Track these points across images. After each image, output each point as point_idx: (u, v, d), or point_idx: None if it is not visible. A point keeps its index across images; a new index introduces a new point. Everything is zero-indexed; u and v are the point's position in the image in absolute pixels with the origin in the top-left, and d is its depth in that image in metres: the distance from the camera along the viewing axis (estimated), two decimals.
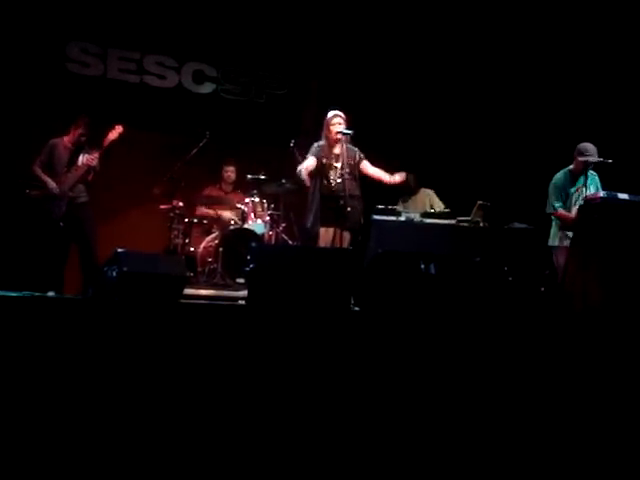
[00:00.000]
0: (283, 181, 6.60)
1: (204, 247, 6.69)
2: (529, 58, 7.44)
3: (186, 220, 6.77)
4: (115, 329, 3.19)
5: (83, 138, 6.00)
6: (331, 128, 5.57)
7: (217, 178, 7.21)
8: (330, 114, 5.64)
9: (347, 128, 5.57)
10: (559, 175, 5.64)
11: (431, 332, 3.61)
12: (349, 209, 5.29)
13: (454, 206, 5.86)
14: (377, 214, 5.33)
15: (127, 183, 7.13)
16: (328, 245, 5.46)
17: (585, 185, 5.36)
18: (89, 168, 5.95)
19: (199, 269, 6.57)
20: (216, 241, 6.62)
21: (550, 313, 4.75)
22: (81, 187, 5.98)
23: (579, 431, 3.35)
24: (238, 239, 6.42)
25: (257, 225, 6.64)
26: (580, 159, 5.46)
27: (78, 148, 6.00)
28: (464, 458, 3.19)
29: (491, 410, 3.37)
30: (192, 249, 6.70)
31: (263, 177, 6.81)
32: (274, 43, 7.94)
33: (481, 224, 5.19)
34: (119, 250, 4.33)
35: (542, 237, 5.55)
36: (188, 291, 5.25)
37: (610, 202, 4.87)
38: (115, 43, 7.46)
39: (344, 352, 3.41)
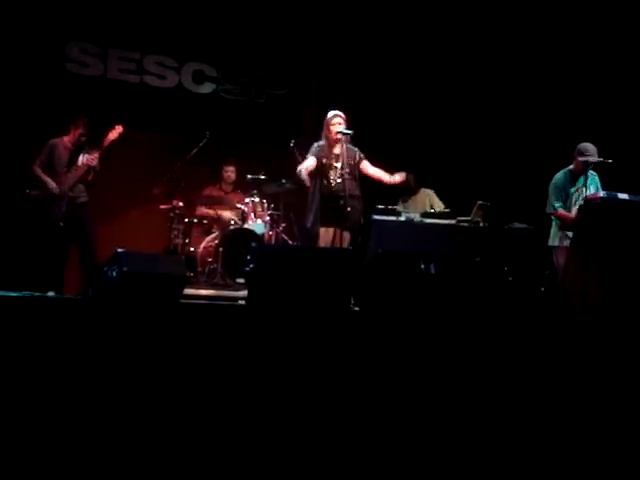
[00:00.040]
0: (283, 181, 6.60)
1: (204, 247, 6.69)
2: (529, 58, 7.44)
3: (186, 220, 6.78)
4: (115, 329, 3.19)
5: (83, 138, 6.00)
6: (331, 128, 5.57)
7: (217, 178, 7.21)
8: (330, 114, 5.64)
9: (347, 128, 5.57)
10: (559, 175, 5.64)
11: (431, 332, 3.61)
12: (349, 209, 5.29)
13: (454, 206, 5.85)
14: (377, 214, 5.33)
15: (127, 183, 7.13)
16: (328, 245, 5.46)
17: (585, 185, 5.36)
18: (89, 168, 5.95)
19: (199, 269, 6.57)
20: (216, 241, 6.62)
21: (550, 313, 4.75)
22: (81, 187, 5.98)
23: (579, 431, 3.35)
24: (238, 239, 6.42)
25: (257, 225, 6.64)
26: (580, 159, 5.46)
27: (78, 148, 6.00)
28: (464, 458, 3.20)
29: (491, 410, 3.37)
30: (192, 249, 6.70)
31: (263, 177, 6.81)
32: (274, 43, 7.94)
33: (481, 224, 5.19)
34: (119, 250, 4.33)
35: (542, 237, 5.55)
36: (188, 291, 5.25)
37: (610, 202, 4.87)
38: (115, 43, 7.45)
39: (344, 352, 3.41)
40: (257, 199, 6.76)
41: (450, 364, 3.48)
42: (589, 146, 5.46)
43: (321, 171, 5.59)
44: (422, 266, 4.66)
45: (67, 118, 6.11)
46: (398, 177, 5.63)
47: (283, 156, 6.73)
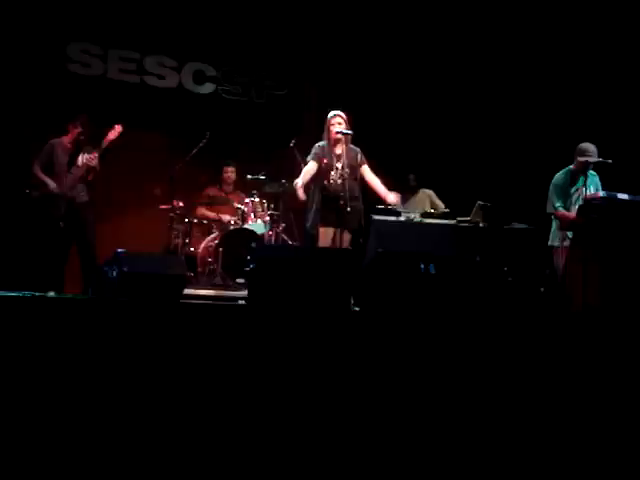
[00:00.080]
0: (283, 181, 6.61)
1: (204, 247, 6.69)
2: (529, 58, 7.44)
3: (186, 220, 6.79)
4: (115, 329, 3.19)
5: (82, 137, 6.00)
6: (331, 128, 5.58)
7: (217, 178, 7.22)
8: (330, 114, 5.64)
9: (347, 128, 5.57)
10: (559, 175, 5.65)
11: (431, 332, 3.61)
12: (349, 209, 5.29)
13: (454, 206, 5.85)
14: (377, 214, 5.33)
15: (127, 183, 7.14)
16: (328, 245, 5.46)
17: (585, 185, 5.36)
18: (89, 168, 5.96)
19: (199, 269, 6.57)
20: (216, 241, 6.63)
21: (550, 313, 4.75)
22: (81, 187, 5.98)
23: (579, 430, 3.35)
24: (238, 239, 6.43)
25: (257, 225, 6.64)
26: (580, 159, 5.46)
27: (78, 148, 6.00)
28: (464, 457, 3.20)
29: (491, 409, 3.37)
30: (192, 249, 6.71)
31: (263, 177, 6.82)
32: (274, 44, 7.94)
33: (481, 224, 5.18)
34: (119, 250, 4.34)
35: (542, 237, 5.55)
36: (188, 291, 5.25)
37: (610, 202, 4.88)
38: (115, 43, 7.45)
39: (344, 352, 3.41)
40: (257, 199, 6.77)
41: (450, 364, 3.48)
42: (589, 146, 5.46)
43: (322, 171, 5.59)
44: (422, 266, 4.66)
45: (68, 118, 6.12)
46: (393, 197, 5.55)
47: (283, 156, 6.73)
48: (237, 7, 7.71)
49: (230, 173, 7.16)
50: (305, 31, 7.96)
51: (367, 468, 3.09)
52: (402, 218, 5.24)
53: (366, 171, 5.70)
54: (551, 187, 5.63)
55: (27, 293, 4.07)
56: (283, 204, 6.69)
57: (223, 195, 7.11)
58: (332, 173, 5.57)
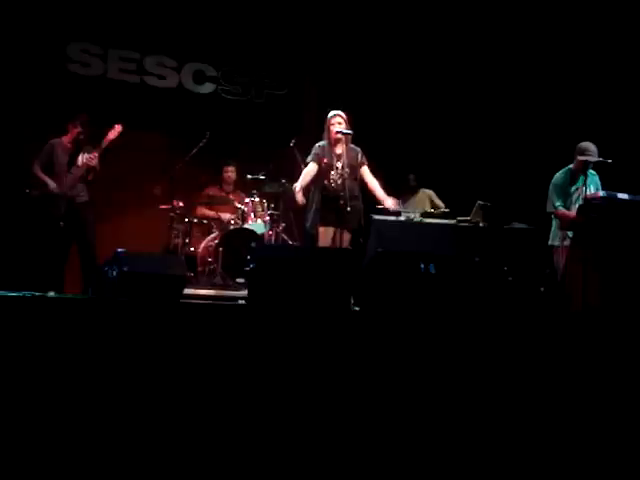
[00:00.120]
0: (283, 181, 6.61)
1: (204, 247, 6.69)
2: (529, 58, 7.44)
3: (186, 220, 6.78)
4: (115, 329, 3.19)
5: (82, 136, 6.00)
6: (331, 128, 5.58)
7: (217, 178, 7.22)
8: (330, 114, 5.64)
9: (347, 128, 5.57)
10: (559, 174, 5.64)
11: (431, 332, 3.61)
12: (349, 209, 5.29)
13: (454, 206, 5.85)
14: (377, 214, 5.34)
15: (127, 183, 7.14)
16: (328, 245, 5.46)
17: (585, 184, 5.36)
18: (89, 168, 5.96)
19: (199, 269, 6.57)
20: (216, 241, 6.63)
21: (550, 313, 4.75)
22: (81, 187, 5.99)
23: (579, 430, 3.35)
24: (238, 239, 6.43)
25: (257, 225, 6.64)
26: (580, 158, 5.46)
27: (78, 148, 6.01)
28: (464, 457, 3.20)
29: (491, 409, 3.37)
30: (192, 249, 6.71)
31: (263, 177, 6.82)
32: (274, 43, 7.94)
33: (481, 224, 5.18)
34: (119, 250, 4.33)
35: (542, 237, 5.55)
36: (188, 291, 5.25)
37: (610, 202, 4.87)
38: (115, 43, 7.46)
39: (344, 352, 3.41)
40: (257, 199, 6.77)
41: (450, 364, 3.48)
42: (589, 145, 5.46)
43: (322, 171, 5.59)
44: (422, 266, 4.66)
45: (68, 118, 6.12)
46: (391, 202, 5.51)
47: (283, 156, 6.73)
48: (237, 7, 7.71)
49: (230, 173, 7.16)
50: (305, 31, 7.96)
51: (367, 468, 3.09)
52: (402, 218, 5.25)
53: (366, 172, 5.70)
54: (551, 186, 5.63)
55: (27, 293, 4.07)
56: (283, 204, 6.69)
57: (223, 195, 7.11)
58: (332, 173, 5.57)
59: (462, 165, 7.49)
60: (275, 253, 4.64)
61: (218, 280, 6.40)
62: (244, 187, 7.11)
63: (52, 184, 5.86)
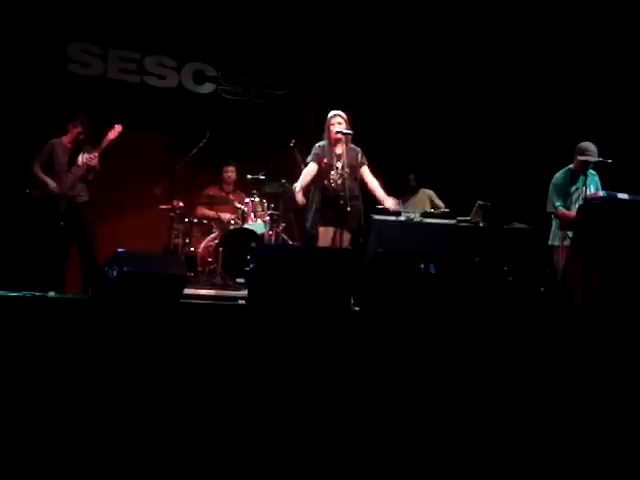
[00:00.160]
0: (283, 181, 6.61)
1: (204, 247, 6.69)
2: (529, 58, 7.44)
3: (186, 220, 6.78)
4: (115, 329, 3.19)
5: (82, 136, 6.00)
6: (331, 128, 5.58)
7: (217, 178, 7.22)
8: (330, 114, 5.64)
9: (347, 128, 5.57)
10: (559, 174, 5.64)
11: (431, 332, 3.61)
12: (349, 209, 5.28)
13: (454, 206, 5.85)
14: (377, 214, 5.33)
15: (127, 183, 7.14)
16: (328, 245, 5.46)
17: (585, 184, 5.35)
18: (89, 167, 5.96)
19: (199, 269, 6.57)
20: (216, 241, 6.63)
21: (550, 313, 4.75)
22: (81, 187, 5.99)
23: (578, 430, 3.35)
24: (238, 239, 6.43)
25: (257, 225, 6.64)
26: (580, 158, 5.46)
27: (78, 147, 6.01)
28: (464, 457, 3.20)
29: (491, 409, 3.37)
30: (192, 249, 6.71)
31: (263, 177, 6.82)
32: (274, 43, 7.94)
33: (481, 224, 5.18)
34: (119, 250, 4.34)
35: (542, 237, 5.54)
36: (188, 291, 5.25)
37: (610, 202, 4.88)
38: (115, 43, 7.46)
39: (344, 352, 3.41)
40: (257, 199, 6.77)
41: (450, 364, 3.48)
42: (589, 145, 5.46)
43: (322, 171, 5.59)
44: (422, 266, 4.66)
45: (68, 118, 6.12)
46: (391, 202, 5.50)
47: (283, 156, 6.73)
48: (237, 7, 7.71)
49: (230, 173, 7.16)
50: (305, 31, 7.96)
51: (367, 467, 3.09)
52: (402, 218, 5.25)
53: (366, 172, 5.69)
54: (551, 186, 5.63)
55: (27, 293, 4.07)
56: (283, 204, 6.69)
57: (223, 195, 7.11)
58: (332, 173, 5.57)
59: (462, 165, 7.49)
60: (275, 253, 4.64)
61: (218, 280, 6.41)
62: (244, 187, 7.11)
63: (52, 184, 5.86)
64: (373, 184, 5.67)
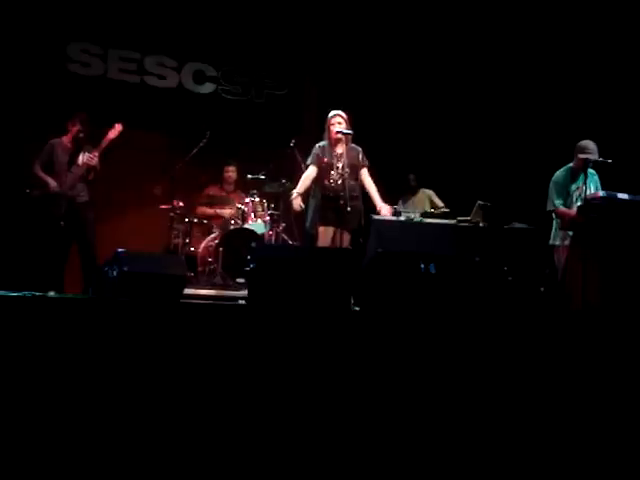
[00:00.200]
0: (283, 181, 6.62)
1: (204, 247, 6.70)
2: (529, 58, 7.44)
3: (186, 220, 6.79)
4: (115, 329, 3.20)
5: (81, 134, 6.00)
6: (331, 128, 5.58)
7: (218, 178, 7.22)
8: (331, 114, 5.64)
9: (348, 128, 5.57)
10: (559, 173, 5.65)
11: (431, 332, 3.61)
12: (349, 209, 5.28)
13: (454, 206, 5.86)
14: (377, 214, 5.34)
15: (127, 183, 7.14)
16: (328, 245, 5.46)
17: (585, 183, 5.35)
18: (89, 167, 5.96)
19: (199, 269, 6.57)
20: (216, 241, 6.63)
21: (550, 313, 4.75)
22: (81, 186, 5.98)
23: (578, 430, 3.35)
24: (238, 239, 6.43)
25: (257, 225, 6.65)
26: (580, 156, 5.46)
27: (78, 147, 6.00)
28: (464, 457, 3.20)
29: (491, 409, 3.37)
30: (192, 249, 6.71)
31: (263, 177, 6.83)
32: (274, 43, 7.94)
33: (481, 224, 5.19)
34: (119, 250, 4.34)
35: (542, 237, 5.55)
36: (188, 291, 5.25)
37: (610, 202, 4.88)
38: (115, 43, 7.46)
39: (344, 352, 3.41)
40: (257, 199, 6.77)
41: (450, 364, 3.49)
42: (590, 144, 5.46)
43: (322, 171, 5.59)
44: (422, 266, 4.66)
45: (68, 118, 6.11)
46: (386, 210, 5.46)
47: (283, 156, 6.74)
48: (237, 7, 7.71)
49: (231, 173, 7.16)
50: (305, 31, 7.96)
51: (367, 467, 3.09)
52: (402, 218, 5.25)
53: (364, 175, 5.67)
54: (551, 185, 5.63)
55: (27, 293, 4.07)
56: (283, 204, 6.69)
57: (224, 195, 7.11)
58: (332, 173, 5.56)
59: (462, 165, 7.49)
60: (275, 253, 4.64)
61: (218, 280, 6.41)
62: (244, 187, 7.11)
63: (53, 183, 5.85)
64: (371, 188, 5.65)
